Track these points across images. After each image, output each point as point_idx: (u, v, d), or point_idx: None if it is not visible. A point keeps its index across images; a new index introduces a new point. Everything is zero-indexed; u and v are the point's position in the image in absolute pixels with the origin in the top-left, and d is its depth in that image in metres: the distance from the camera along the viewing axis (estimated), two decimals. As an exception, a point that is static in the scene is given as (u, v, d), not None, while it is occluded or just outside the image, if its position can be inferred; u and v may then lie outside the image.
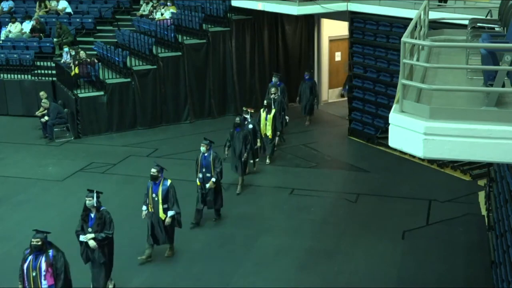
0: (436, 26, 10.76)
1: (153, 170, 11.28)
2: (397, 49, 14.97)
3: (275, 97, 16.72)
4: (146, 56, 19.92)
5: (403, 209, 13.58)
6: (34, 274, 9.00)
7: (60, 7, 24.44)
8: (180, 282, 10.89)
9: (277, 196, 14.65)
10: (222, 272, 11.20)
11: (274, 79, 18.27)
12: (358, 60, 18.11)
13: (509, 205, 9.95)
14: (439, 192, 14.31)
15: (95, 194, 10.05)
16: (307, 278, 11.03)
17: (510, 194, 10.01)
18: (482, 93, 6.31)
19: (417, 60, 7.52)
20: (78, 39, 22.80)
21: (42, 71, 21.24)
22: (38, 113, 18.83)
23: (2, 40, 22.92)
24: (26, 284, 9.07)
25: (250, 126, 15.32)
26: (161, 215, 11.24)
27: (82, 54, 19.87)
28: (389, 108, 7.54)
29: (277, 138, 16.75)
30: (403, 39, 6.33)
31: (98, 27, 23.67)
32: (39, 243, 9.03)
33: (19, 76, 21.19)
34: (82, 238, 10.04)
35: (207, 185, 12.59)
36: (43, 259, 9.03)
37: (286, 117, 17.18)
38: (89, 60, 19.55)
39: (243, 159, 14.44)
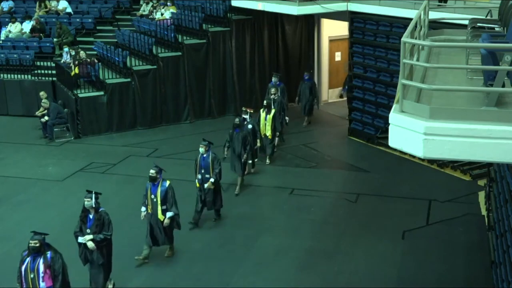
0: (436, 26, 10.76)
1: (152, 171, 11.28)
2: (397, 49, 14.97)
3: (275, 98, 16.72)
4: (146, 56, 19.93)
5: (403, 209, 13.58)
6: (32, 275, 8.97)
7: (60, 7, 24.44)
8: (180, 282, 10.89)
9: (277, 196, 14.65)
10: (222, 272, 11.20)
11: (273, 79, 18.26)
12: (358, 60, 18.11)
13: (509, 205, 9.94)
14: (439, 192, 14.31)
15: (93, 195, 10.03)
16: (307, 278, 11.03)
17: (510, 194, 10.00)
18: (482, 93, 6.31)
19: (417, 60, 7.52)
20: (78, 39, 22.80)
21: (42, 71, 21.25)
22: (38, 113, 18.84)
23: (2, 40, 22.92)
24: (24, 286, 9.04)
25: (250, 126, 15.31)
26: (160, 216, 11.23)
27: (82, 54, 19.87)
28: (389, 108, 7.54)
29: (277, 139, 16.75)
30: (403, 39, 6.33)
31: (98, 27, 23.67)
32: (37, 244, 9.01)
33: (19, 76, 21.19)
34: (80, 239, 10.02)
35: (206, 185, 12.58)
36: (41, 260, 9.00)
37: (286, 118, 17.18)
38: (89, 60, 19.55)
39: (242, 160, 14.44)
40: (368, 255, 11.72)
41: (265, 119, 16.15)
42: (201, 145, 12.71)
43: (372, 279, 10.89)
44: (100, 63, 19.77)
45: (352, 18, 17.87)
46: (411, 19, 7.70)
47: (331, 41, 21.79)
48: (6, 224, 13.22)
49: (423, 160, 15.23)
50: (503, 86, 5.99)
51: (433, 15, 10.70)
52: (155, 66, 19.60)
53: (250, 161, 15.21)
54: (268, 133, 16.13)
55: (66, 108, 18.93)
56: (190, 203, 12.82)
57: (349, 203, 14.06)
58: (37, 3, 24.96)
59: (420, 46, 7.99)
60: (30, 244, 9.04)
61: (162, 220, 11.23)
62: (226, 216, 13.29)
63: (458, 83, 7.02)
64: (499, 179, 11.46)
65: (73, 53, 20.04)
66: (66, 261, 9.33)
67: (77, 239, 10.08)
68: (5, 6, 25.12)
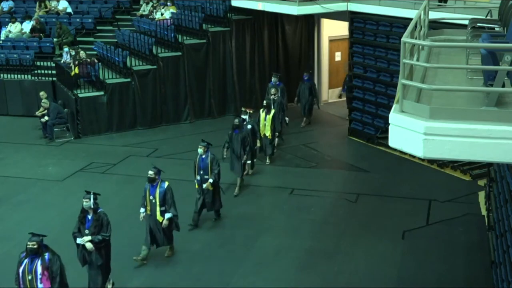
0: (436, 26, 10.76)
1: (150, 172, 11.27)
2: (397, 49, 14.97)
3: (275, 98, 16.72)
4: (146, 56, 19.93)
5: (403, 209, 13.58)
6: (30, 277, 8.94)
7: (60, 7, 24.45)
8: (180, 282, 10.88)
9: (277, 196, 14.64)
10: (222, 272, 11.20)
11: (273, 79, 18.25)
12: (358, 60, 18.11)
13: (509, 205, 9.94)
14: (439, 192, 14.31)
15: (92, 196, 10.00)
16: (307, 278, 11.03)
17: (510, 194, 10.00)
18: (482, 93, 6.30)
19: (417, 60, 7.52)
20: (78, 39, 22.81)
21: (42, 71, 21.25)
22: (38, 113, 18.84)
23: (2, 40, 22.92)
24: (22, 287, 9.04)
25: (249, 126, 15.29)
26: (159, 217, 11.22)
27: (82, 54, 19.87)
28: (389, 108, 7.54)
29: (276, 139, 16.74)
30: (403, 39, 6.32)
31: (98, 27, 23.68)
32: (35, 246, 8.99)
33: (19, 76, 21.19)
34: (79, 240, 9.97)
35: (204, 186, 12.57)
36: (39, 262, 8.98)
37: (286, 118, 17.17)
38: (89, 60, 19.55)
39: (242, 161, 14.43)
40: (368, 255, 11.72)
41: (265, 119, 16.14)
42: (199, 146, 12.68)
43: (372, 279, 10.89)
44: (100, 63, 19.77)
45: (352, 18, 17.87)
46: (411, 19, 7.70)
47: (331, 41, 21.79)
48: (6, 224, 13.22)
49: (423, 160, 15.23)
50: (503, 86, 5.99)
51: (433, 15, 10.70)
52: (155, 66, 19.60)
53: (249, 162, 15.19)
54: (268, 133, 16.13)
55: (66, 108, 18.93)
56: (190, 203, 12.81)
57: (349, 203, 14.06)
58: (37, 3, 24.96)
59: (420, 46, 7.99)
60: (28, 246, 9.02)
61: (161, 221, 11.23)
62: (226, 216, 13.29)
63: (458, 83, 7.02)
64: (499, 179, 11.46)
65: (73, 53, 20.04)
66: (66, 262, 9.34)
67: (75, 240, 10.04)
68: (5, 6, 25.12)
